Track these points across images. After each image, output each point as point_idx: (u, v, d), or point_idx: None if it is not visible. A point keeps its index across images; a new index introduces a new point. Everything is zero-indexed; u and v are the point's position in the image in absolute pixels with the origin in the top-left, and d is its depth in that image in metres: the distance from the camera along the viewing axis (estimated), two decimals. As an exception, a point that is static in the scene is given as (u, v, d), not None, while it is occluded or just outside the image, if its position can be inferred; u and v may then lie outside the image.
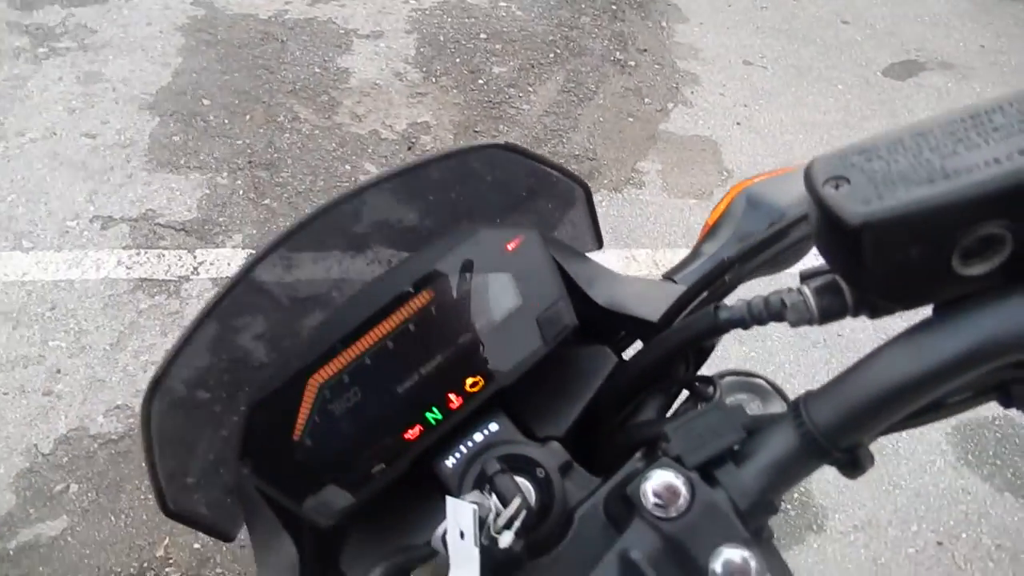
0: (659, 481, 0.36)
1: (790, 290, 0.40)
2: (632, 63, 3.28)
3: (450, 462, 0.47)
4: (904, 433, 1.92)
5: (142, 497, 1.72)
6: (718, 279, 0.49)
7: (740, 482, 0.36)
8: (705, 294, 0.51)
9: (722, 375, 0.51)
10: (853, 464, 0.36)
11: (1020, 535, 1.75)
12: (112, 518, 1.68)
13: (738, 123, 2.99)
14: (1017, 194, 0.30)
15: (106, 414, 1.86)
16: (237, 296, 0.51)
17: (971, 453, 1.91)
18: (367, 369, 0.47)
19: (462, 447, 0.47)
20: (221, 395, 0.54)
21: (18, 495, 1.70)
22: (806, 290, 0.39)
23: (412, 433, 0.47)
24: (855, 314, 0.37)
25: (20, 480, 1.73)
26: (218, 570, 1.62)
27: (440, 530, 0.41)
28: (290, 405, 0.47)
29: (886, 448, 1.90)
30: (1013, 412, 1.98)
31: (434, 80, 3.07)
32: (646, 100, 3.07)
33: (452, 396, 0.47)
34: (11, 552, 1.61)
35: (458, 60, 3.19)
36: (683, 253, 0.65)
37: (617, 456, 0.45)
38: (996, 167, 0.30)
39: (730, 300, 0.47)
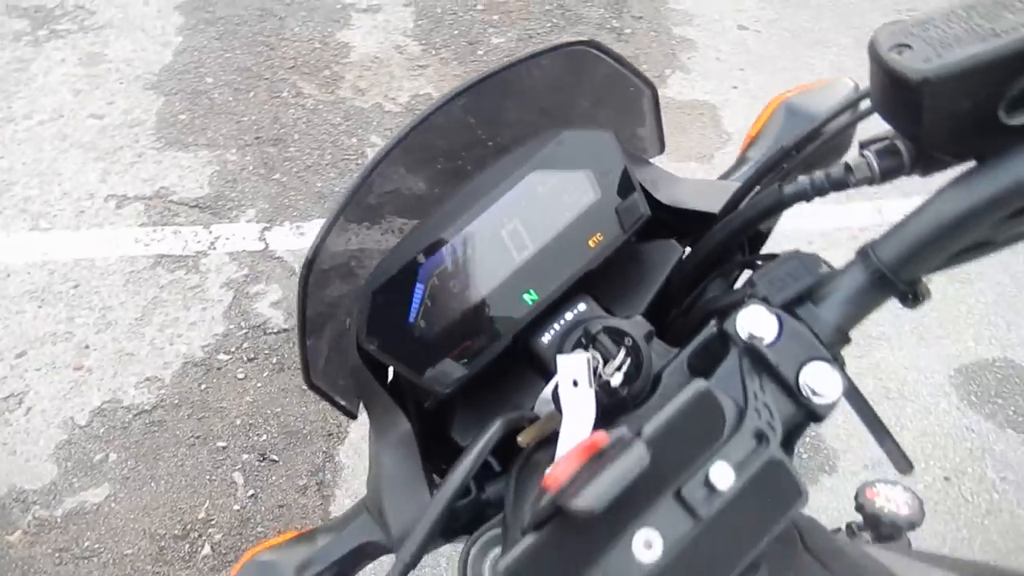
0: (751, 315, 0.41)
1: (848, 161, 0.45)
2: (628, 30, 3.31)
3: (546, 338, 0.53)
4: (908, 378, 2.01)
5: (179, 464, 1.78)
6: (771, 171, 0.55)
7: (819, 316, 0.42)
8: (758, 188, 0.56)
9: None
10: (915, 296, 0.42)
11: (1023, 467, 1.84)
12: (153, 484, 1.74)
13: (735, 87, 3.03)
14: None
15: (137, 386, 1.91)
16: (361, 193, 0.56)
17: (973, 394, 1.99)
18: (471, 258, 0.53)
19: (555, 325, 0.53)
20: (348, 283, 0.59)
21: (59, 465, 1.76)
22: (868, 153, 0.44)
23: (513, 313, 0.53)
24: (910, 172, 0.43)
25: (60, 451, 1.78)
26: (258, 529, 1.68)
27: (549, 389, 0.47)
28: (407, 290, 0.53)
29: (892, 391, 1.98)
30: (1012, 354, 2.06)
31: (434, 52, 3.09)
32: (644, 67, 3.11)
33: (546, 280, 0.53)
34: (58, 519, 1.67)
35: (456, 32, 3.21)
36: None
37: (689, 332, 0.50)
38: None
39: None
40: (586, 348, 0.49)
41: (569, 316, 0.54)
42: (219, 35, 3.10)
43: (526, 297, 0.53)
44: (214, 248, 2.25)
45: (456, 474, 0.42)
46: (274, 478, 1.76)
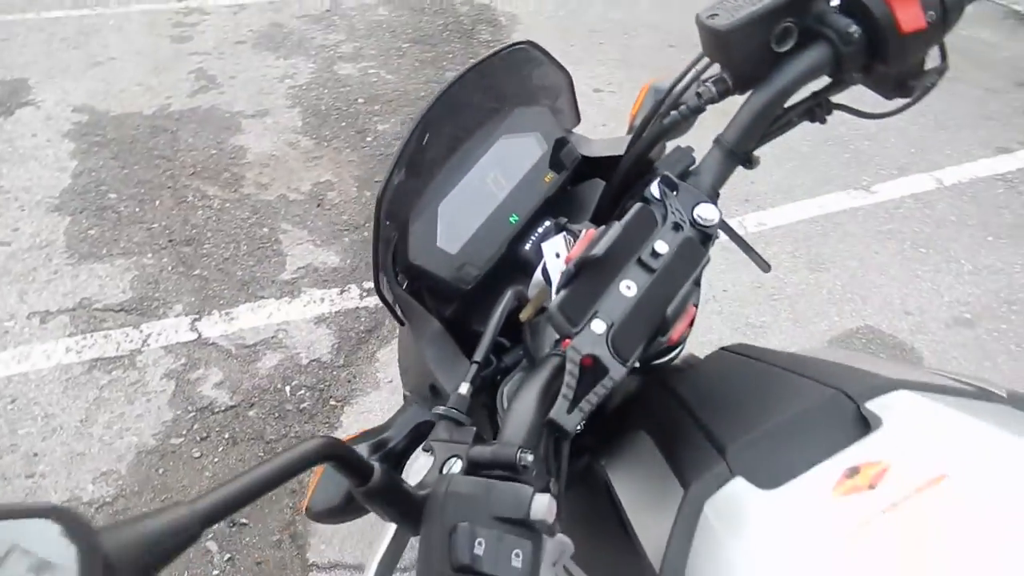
0: (656, 185, 0.64)
1: (699, 91, 0.70)
2: (499, 104, 3.67)
3: (528, 245, 0.76)
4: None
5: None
6: (652, 118, 0.79)
7: (699, 180, 0.66)
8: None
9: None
10: (749, 161, 0.68)
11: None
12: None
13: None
14: (789, 4, 0.63)
15: (94, 482, 1.95)
16: (404, 153, 0.75)
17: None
18: (470, 198, 0.75)
19: (532, 237, 0.76)
20: (393, 219, 0.78)
21: (27, 569, 1.76)
22: (708, 84, 0.69)
23: (504, 229, 0.75)
24: (734, 92, 0.69)
25: (25, 556, 1.79)
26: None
27: (538, 272, 0.68)
28: (432, 224, 0.74)
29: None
30: (871, 321, 2.41)
31: (326, 144, 3.33)
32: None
33: (521, 206, 0.76)
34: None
35: (344, 124, 3.47)
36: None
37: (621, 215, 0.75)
38: None
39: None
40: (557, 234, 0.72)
41: (540, 230, 0.77)
42: (114, 154, 3.22)
43: (511, 219, 0.75)
44: (147, 345, 2.33)
45: (491, 325, 0.63)
46: (247, 539, 1.83)
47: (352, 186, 3.06)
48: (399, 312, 0.79)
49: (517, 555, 0.42)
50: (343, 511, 0.70)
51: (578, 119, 0.94)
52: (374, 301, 2.47)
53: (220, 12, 4.63)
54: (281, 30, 4.40)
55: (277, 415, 2.10)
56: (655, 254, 0.58)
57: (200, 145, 3.29)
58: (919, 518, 0.46)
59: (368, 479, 0.46)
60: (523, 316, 0.69)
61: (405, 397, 0.79)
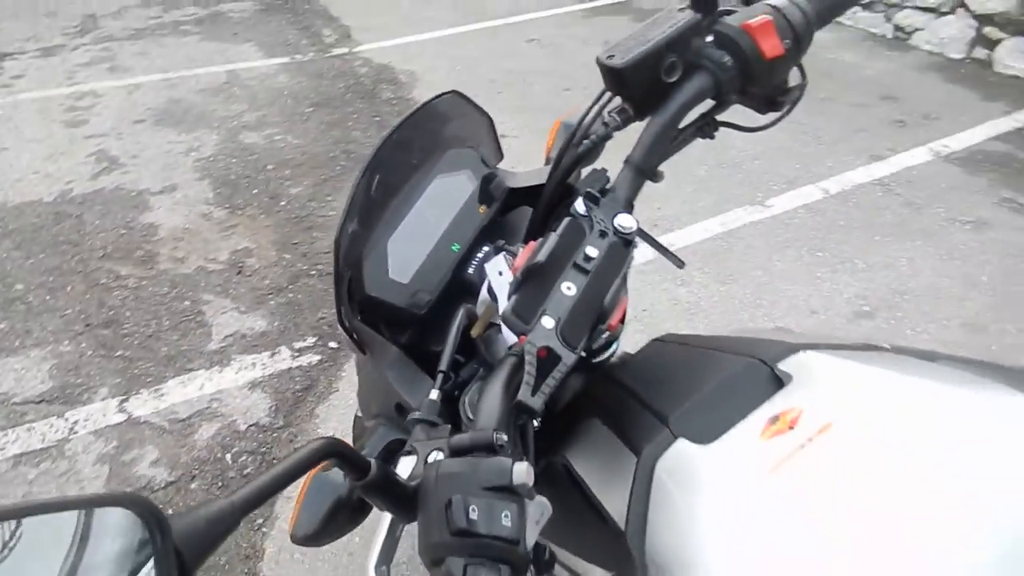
0: (581, 202, 0.71)
1: (605, 121, 0.80)
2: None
3: (470, 269, 0.82)
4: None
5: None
6: (568, 147, 0.88)
7: (616, 196, 0.74)
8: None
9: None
10: (654, 176, 0.77)
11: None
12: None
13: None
14: (673, 42, 0.73)
15: None
16: (354, 200, 0.80)
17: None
18: (415, 232, 0.81)
19: (473, 262, 0.83)
20: (348, 259, 0.83)
21: None
22: (613, 114, 0.79)
23: (448, 257, 0.82)
24: (635, 119, 0.78)
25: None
26: None
27: (484, 289, 0.75)
28: (382, 258, 0.79)
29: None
30: (780, 322, 2.57)
31: (240, 212, 3.33)
32: (432, 183, 3.55)
33: (471, 221, 0.83)
34: None
35: (255, 191, 3.48)
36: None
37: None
38: (665, 33, 0.73)
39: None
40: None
41: (480, 255, 0.84)
42: (16, 244, 3.13)
43: (453, 247, 0.82)
44: (75, 432, 2.26)
45: (450, 339, 0.69)
46: (204, 615, 1.79)
47: (271, 250, 3.07)
48: (359, 342, 0.84)
49: (506, 516, 0.48)
50: (325, 530, 0.74)
51: (501, 156, 1.02)
52: (307, 359, 2.47)
53: (114, 93, 4.58)
54: (180, 105, 4.39)
55: (220, 483, 2.07)
56: (587, 258, 0.66)
57: (108, 226, 3.23)
58: (830, 446, 0.55)
59: (367, 473, 0.52)
60: (475, 332, 0.76)
61: (366, 425, 0.84)
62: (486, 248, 0.86)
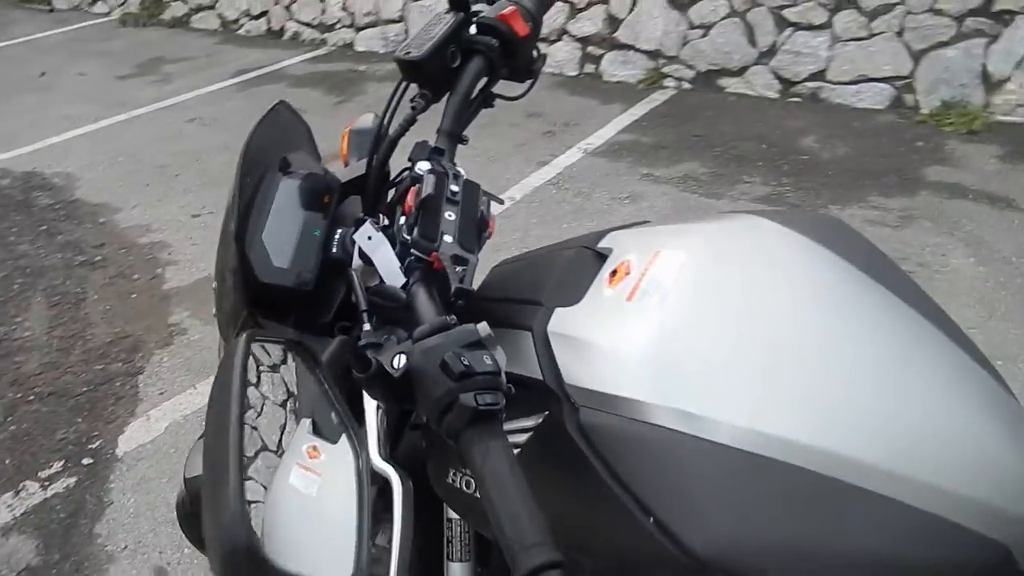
0: (427, 161, 0.88)
1: (412, 106, 0.96)
2: (99, 258, 3.49)
3: (334, 248, 0.92)
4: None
5: None
6: (379, 141, 1.02)
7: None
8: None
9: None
10: (464, 140, 0.96)
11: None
12: None
13: (224, 255, 3.47)
14: (452, 35, 0.94)
15: None
16: (238, 206, 0.86)
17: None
18: (278, 229, 0.90)
19: (334, 242, 0.93)
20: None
21: None
22: (416, 99, 0.95)
23: (314, 242, 0.91)
24: (435, 101, 0.95)
25: None
26: None
27: (355, 256, 0.86)
28: (263, 248, 0.86)
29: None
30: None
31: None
32: (135, 277, 3.33)
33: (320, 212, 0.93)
34: None
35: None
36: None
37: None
38: (444, 29, 0.94)
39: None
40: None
41: (336, 236, 0.94)
42: None
43: (315, 232, 0.92)
44: None
45: (358, 289, 0.80)
46: None
47: (-35, 391, 2.66)
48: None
49: (487, 358, 0.63)
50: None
51: (320, 157, 1.13)
52: (62, 484, 2.22)
53: None
54: None
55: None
56: (454, 193, 0.83)
57: None
58: (663, 265, 0.79)
59: (369, 367, 0.63)
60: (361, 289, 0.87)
61: None
62: (340, 230, 0.97)
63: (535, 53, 1.08)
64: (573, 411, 0.73)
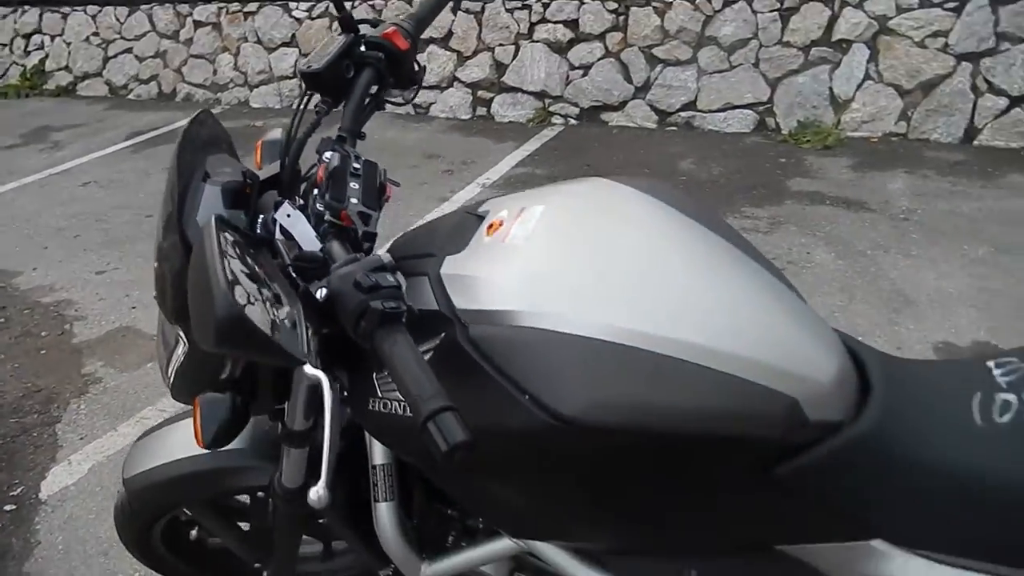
0: (335, 148, 1.05)
1: (316, 111, 1.14)
2: (2, 320, 3.44)
3: (259, 229, 1.07)
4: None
5: None
6: (291, 141, 1.19)
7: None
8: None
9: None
10: (362, 136, 1.15)
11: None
12: None
13: (133, 307, 3.49)
14: (345, 51, 1.14)
15: None
16: (179, 192, 1.01)
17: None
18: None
19: (258, 225, 1.08)
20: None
21: None
22: (321, 104, 1.13)
23: (241, 225, 1.06)
24: (335, 107, 1.14)
25: None
26: None
27: (277, 233, 1.02)
28: (201, 240, 1.01)
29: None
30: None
31: None
32: (42, 334, 3.31)
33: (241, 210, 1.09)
34: None
35: None
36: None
37: None
38: (338, 47, 1.13)
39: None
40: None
41: (259, 221, 1.11)
42: None
43: (243, 217, 1.08)
44: None
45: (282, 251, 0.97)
46: None
47: None
48: None
49: (390, 276, 0.83)
50: (233, 423, 0.96)
51: (239, 159, 1.29)
52: (-16, 534, 2.20)
53: None
54: None
55: None
56: (356, 168, 1.02)
57: None
58: (530, 213, 1.00)
59: (310, 298, 0.82)
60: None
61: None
62: (262, 216, 1.12)
63: (416, 66, 1.28)
64: (464, 329, 0.92)
